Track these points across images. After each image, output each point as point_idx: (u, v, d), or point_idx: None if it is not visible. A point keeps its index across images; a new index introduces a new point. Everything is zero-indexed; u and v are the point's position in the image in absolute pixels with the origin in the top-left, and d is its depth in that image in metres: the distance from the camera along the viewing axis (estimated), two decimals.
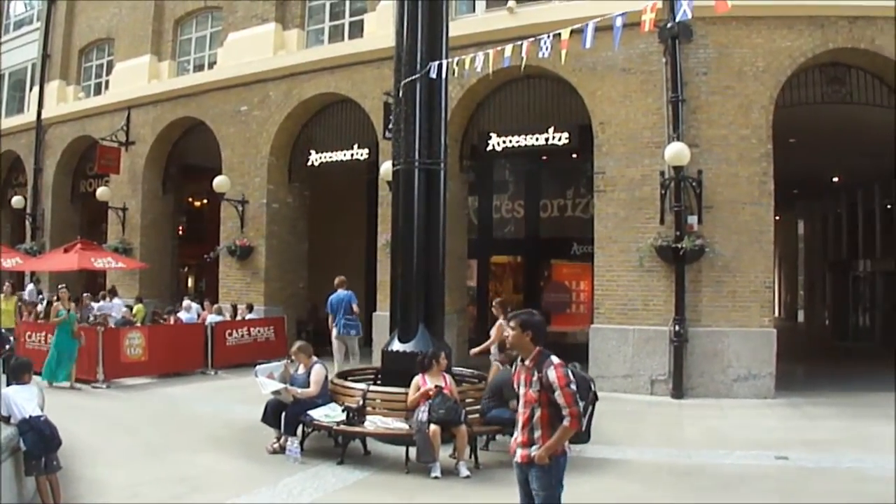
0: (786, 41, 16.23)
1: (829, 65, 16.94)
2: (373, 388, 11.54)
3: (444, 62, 11.88)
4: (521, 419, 6.22)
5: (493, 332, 15.17)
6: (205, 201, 30.58)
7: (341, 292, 17.45)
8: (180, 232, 29.28)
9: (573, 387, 5.99)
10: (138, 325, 19.69)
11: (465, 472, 10.07)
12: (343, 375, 12.51)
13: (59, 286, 19.17)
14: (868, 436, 12.67)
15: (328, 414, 10.87)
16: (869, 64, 16.69)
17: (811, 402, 15.66)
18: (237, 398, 15.02)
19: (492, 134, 18.92)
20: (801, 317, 41.33)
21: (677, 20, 12.15)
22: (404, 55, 12.35)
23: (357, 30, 21.53)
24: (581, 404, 6.16)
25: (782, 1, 16.06)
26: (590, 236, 17.37)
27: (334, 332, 17.34)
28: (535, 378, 6.04)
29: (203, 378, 18.39)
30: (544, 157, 20.30)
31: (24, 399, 8.29)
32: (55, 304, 17.41)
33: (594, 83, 17.04)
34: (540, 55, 10.77)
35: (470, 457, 10.51)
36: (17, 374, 8.69)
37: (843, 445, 12.03)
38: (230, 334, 19.79)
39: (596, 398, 6.49)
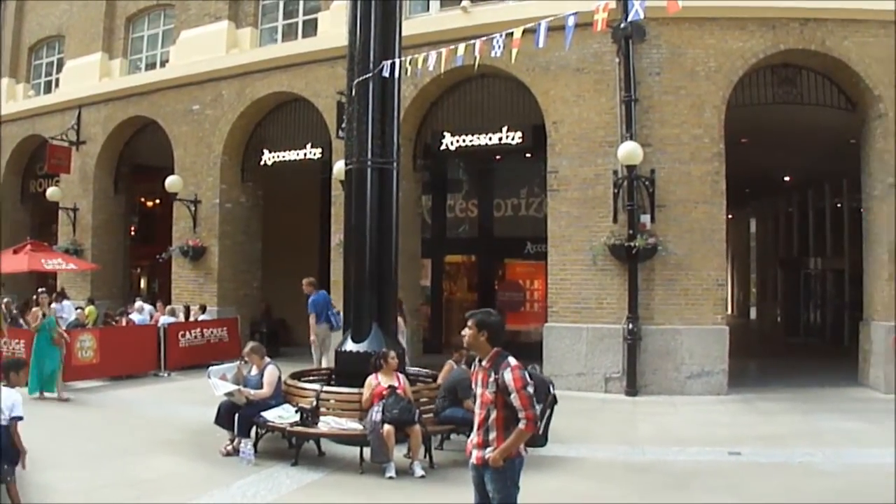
0: (738, 42, 16.41)
1: (780, 66, 17.15)
2: (326, 388, 11.49)
3: (397, 61, 11.86)
4: (477, 420, 6.17)
5: None
6: (157, 201, 30.30)
7: (320, 292, 17.44)
8: (132, 232, 28.97)
9: (530, 389, 5.93)
10: (89, 326, 19.40)
11: (419, 471, 10.06)
12: (296, 376, 12.43)
13: (39, 290, 18.80)
14: (820, 430, 12.89)
15: (282, 415, 10.79)
16: (819, 65, 16.93)
17: (763, 397, 15.88)
18: (190, 400, 14.86)
19: (445, 133, 18.95)
20: (753, 314, 41.78)
21: (629, 20, 12.21)
22: (357, 54, 12.29)
23: (311, 28, 21.43)
24: (538, 407, 6.11)
25: (734, 2, 16.24)
26: (543, 235, 17.44)
27: (321, 329, 17.26)
28: (491, 379, 5.98)
29: (156, 380, 18.21)
30: (498, 157, 20.39)
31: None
32: (34, 309, 16.89)
33: (547, 83, 17.10)
34: (492, 54, 10.77)
35: (424, 456, 10.50)
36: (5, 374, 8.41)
37: (795, 440, 12.21)
38: (183, 336, 19.59)
39: (555, 401, 6.46)
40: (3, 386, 8.18)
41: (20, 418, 7.94)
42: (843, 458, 11.01)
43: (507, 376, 5.89)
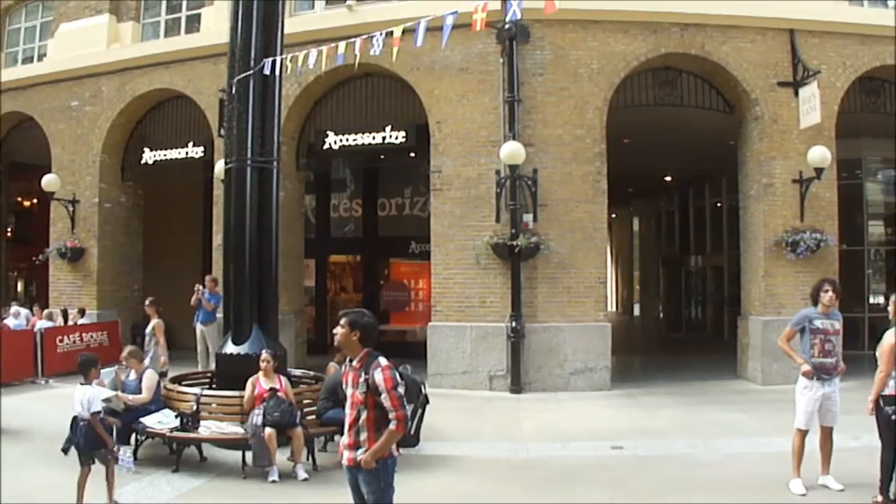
0: (620, 45, 16.74)
1: (661, 69, 17.61)
2: (207, 392, 11.31)
3: (279, 59, 11.71)
4: (347, 421, 6.12)
5: (149, 331, 15.30)
6: (35, 201, 29.43)
7: None
8: (9, 234, 28.07)
9: (400, 390, 5.92)
10: None
11: (302, 474, 10.00)
12: (177, 380, 12.19)
13: None
14: (699, 422, 13.27)
15: (161, 420, 10.59)
16: (699, 69, 17.45)
17: (646, 392, 16.25)
18: (68, 408, 14.40)
19: (329, 132, 18.70)
20: (636, 311, 42.47)
21: (507, 20, 12.28)
22: (238, 51, 12.04)
23: (194, 24, 21.01)
24: (410, 407, 6.10)
25: (617, 4, 16.54)
26: (427, 235, 17.45)
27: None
28: (361, 379, 5.94)
29: (33, 388, 17.59)
30: (382, 156, 20.30)
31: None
32: None
33: (431, 82, 17.12)
34: (372, 52, 10.72)
35: (307, 459, 10.44)
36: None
37: (676, 433, 12.55)
38: (61, 340, 18.94)
39: (427, 401, 6.46)
40: (81, 383, 9.05)
41: (99, 413, 8.85)
42: (723, 449, 11.37)
43: (378, 376, 5.86)
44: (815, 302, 9.33)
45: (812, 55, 16.94)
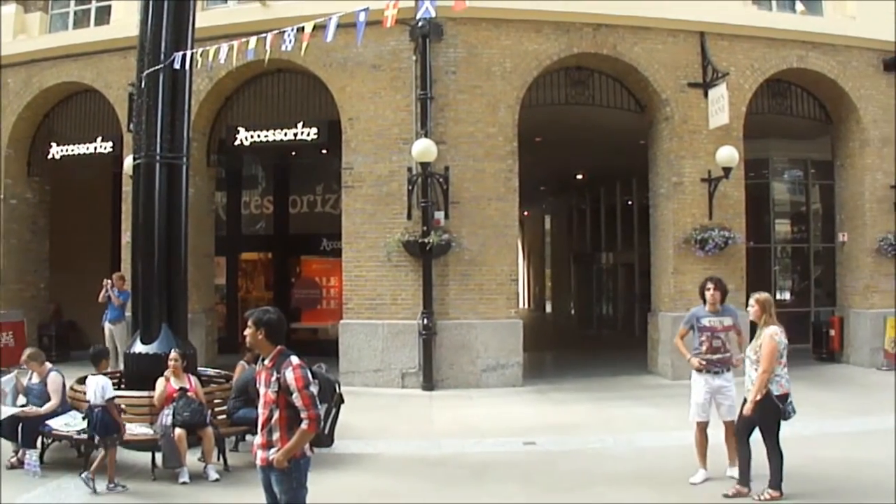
0: (533, 44, 16.86)
1: (573, 68, 17.79)
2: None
3: (189, 53, 11.53)
4: (260, 420, 6.07)
5: None
6: None
7: None
8: None
9: (312, 389, 5.88)
10: None
11: (213, 475, 9.84)
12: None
13: None
14: (610, 417, 13.47)
15: (68, 423, 10.29)
16: (610, 69, 17.69)
17: (557, 388, 16.40)
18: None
19: (240, 128, 18.44)
20: (549, 307, 42.79)
21: (418, 17, 12.28)
22: (148, 44, 11.80)
23: (104, 16, 20.47)
24: (323, 407, 6.06)
25: (530, 3, 16.66)
26: (339, 232, 17.32)
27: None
28: (273, 378, 5.90)
29: None
30: (294, 153, 20.15)
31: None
32: None
33: (344, 79, 17.01)
34: (283, 48, 10.68)
35: (218, 459, 10.29)
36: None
37: (587, 427, 12.70)
38: None
39: (341, 400, 6.42)
40: (93, 373, 10.02)
41: (114, 398, 9.69)
42: (633, 443, 11.59)
43: (289, 375, 5.82)
44: (705, 300, 9.59)
45: (721, 57, 17.35)
